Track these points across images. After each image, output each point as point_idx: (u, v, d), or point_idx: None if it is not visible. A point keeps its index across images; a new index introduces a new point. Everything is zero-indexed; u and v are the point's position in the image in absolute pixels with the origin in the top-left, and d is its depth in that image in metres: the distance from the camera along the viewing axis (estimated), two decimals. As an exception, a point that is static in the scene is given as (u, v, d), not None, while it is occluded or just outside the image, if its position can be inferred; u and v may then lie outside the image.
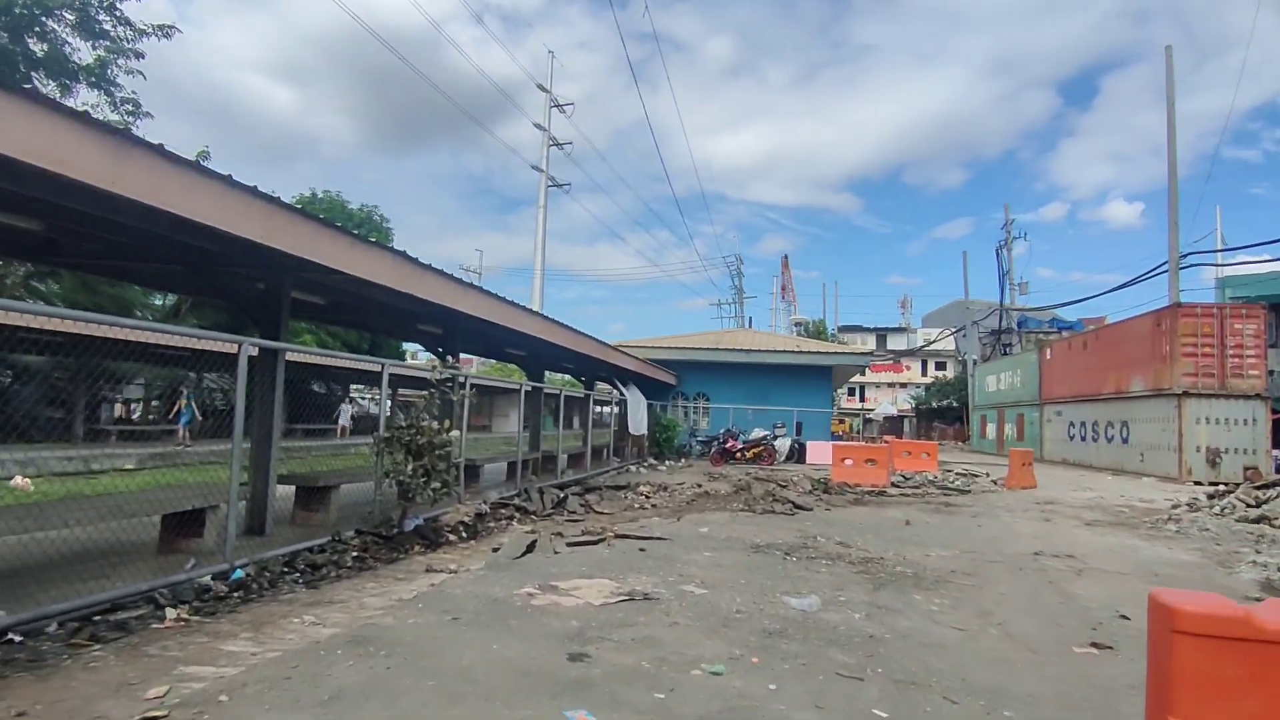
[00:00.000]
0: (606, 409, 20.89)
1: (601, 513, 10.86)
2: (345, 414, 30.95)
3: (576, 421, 21.07)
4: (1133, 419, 25.46)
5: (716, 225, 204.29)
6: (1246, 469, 21.89)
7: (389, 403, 8.63)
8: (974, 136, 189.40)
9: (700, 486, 14.83)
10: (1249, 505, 13.19)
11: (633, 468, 19.50)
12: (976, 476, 20.07)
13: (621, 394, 20.01)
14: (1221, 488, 14.61)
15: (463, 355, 15.10)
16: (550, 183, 44.42)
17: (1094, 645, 5.11)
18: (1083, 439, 29.68)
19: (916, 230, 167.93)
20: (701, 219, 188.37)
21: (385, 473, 7.65)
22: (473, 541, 8.17)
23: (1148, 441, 24.37)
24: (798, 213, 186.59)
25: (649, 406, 22.42)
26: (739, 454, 22.19)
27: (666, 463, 22.14)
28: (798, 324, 75.66)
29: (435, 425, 7.80)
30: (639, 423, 20.41)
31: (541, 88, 43.68)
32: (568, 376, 24.31)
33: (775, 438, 23.04)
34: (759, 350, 26.14)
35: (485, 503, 9.98)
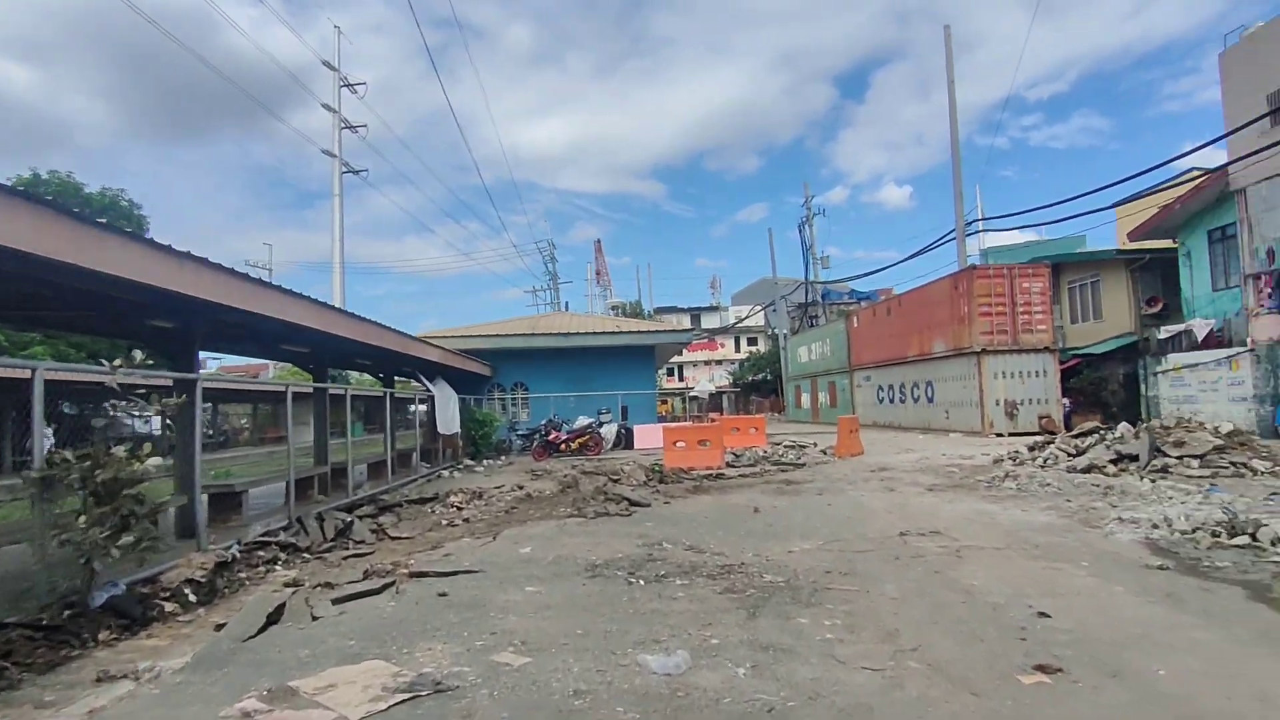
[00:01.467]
0: (414, 408, 18.43)
1: (399, 538, 8.76)
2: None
3: (376, 425, 18.43)
4: (937, 379, 26.56)
5: (528, 215, 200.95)
6: (1041, 418, 23.32)
7: (49, 427, 5.96)
8: (766, 125, 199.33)
9: (522, 489, 13.00)
10: (1071, 454, 13.36)
11: (445, 473, 17.26)
12: (805, 447, 19.72)
13: (428, 390, 17.67)
14: (1039, 439, 14.86)
15: (266, 360, 12.24)
16: (345, 168, 40.32)
17: (1040, 670, 3.90)
18: (891, 401, 30.86)
19: (720, 214, 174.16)
20: (513, 208, 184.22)
21: (52, 528, 5.20)
22: (202, 610, 5.87)
23: (952, 399, 25.46)
24: (607, 200, 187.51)
25: (461, 402, 20.21)
26: (563, 445, 20.53)
27: (485, 462, 20.04)
28: (614, 307, 75.22)
29: (123, 454, 5.42)
30: (450, 420, 18.17)
31: (329, 65, 39.47)
32: (369, 376, 21.56)
33: (601, 425, 21.61)
34: (577, 333, 24.57)
35: (237, 544, 7.59)
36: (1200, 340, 21.21)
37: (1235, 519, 6.86)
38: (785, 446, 19.72)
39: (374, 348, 13.57)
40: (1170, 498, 8.81)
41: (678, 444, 16.08)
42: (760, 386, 59.93)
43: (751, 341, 78.36)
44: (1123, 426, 13.54)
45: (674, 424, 21.57)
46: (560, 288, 66.28)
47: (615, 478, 13.23)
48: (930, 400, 27.13)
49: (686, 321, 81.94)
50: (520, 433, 22.75)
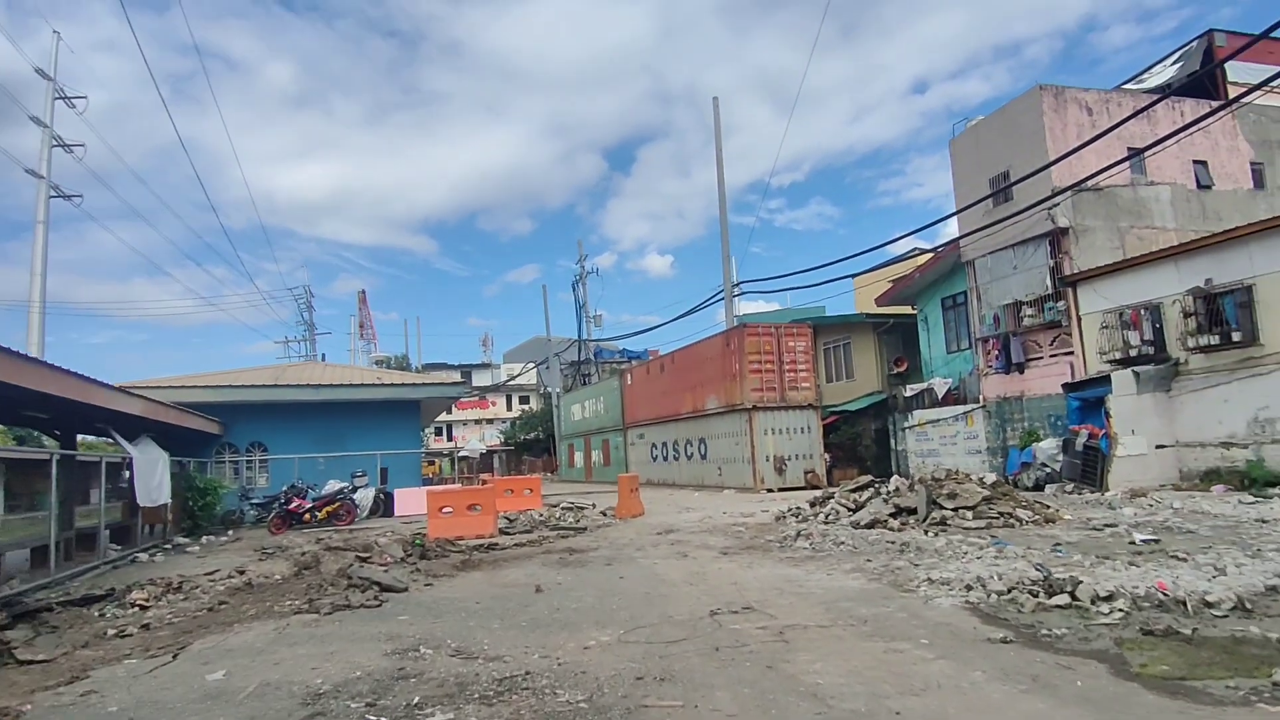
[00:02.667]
0: (123, 473, 14.69)
1: (29, 662, 6.09)
2: None
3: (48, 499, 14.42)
4: (710, 435, 26.70)
5: (283, 263, 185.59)
6: (807, 473, 24.01)
7: None
8: (539, 189, 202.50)
9: (243, 574, 10.33)
10: (850, 509, 13.23)
11: (145, 556, 13.77)
12: (584, 509, 18.44)
13: (128, 452, 14.13)
14: (818, 494, 14.75)
15: None
16: (54, 192, 34.05)
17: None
18: (665, 459, 30.71)
19: (492, 274, 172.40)
20: (266, 255, 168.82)
21: None
22: None
23: (724, 455, 25.64)
24: (375, 253, 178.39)
25: (180, 465, 16.63)
26: (307, 516, 17.53)
27: (205, 539, 16.51)
28: (379, 362, 70.41)
29: None
30: (155, 489, 14.66)
31: (42, 74, 33.23)
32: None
33: (355, 490, 18.84)
34: (330, 385, 21.59)
35: None
36: (940, 398, 23.06)
37: (1050, 577, 6.45)
38: (563, 508, 18.30)
39: (43, 395, 10.35)
40: (965, 553, 8.53)
41: (444, 510, 14.07)
42: (533, 445, 58.35)
43: (524, 400, 76.76)
44: (895, 480, 13.72)
45: (440, 487, 19.36)
46: (318, 339, 60.71)
47: (366, 553, 10.97)
48: (704, 457, 27.20)
49: (457, 378, 78.75)
50: (255, 501, 19.28)
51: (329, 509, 17.74)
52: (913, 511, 11.99)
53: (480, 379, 79.81)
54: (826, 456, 24.81)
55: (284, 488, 18.46)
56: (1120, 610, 5.76)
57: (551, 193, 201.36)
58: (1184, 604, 5.78)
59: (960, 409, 22.02)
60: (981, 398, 21.36)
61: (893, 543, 9.51)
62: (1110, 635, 5.24)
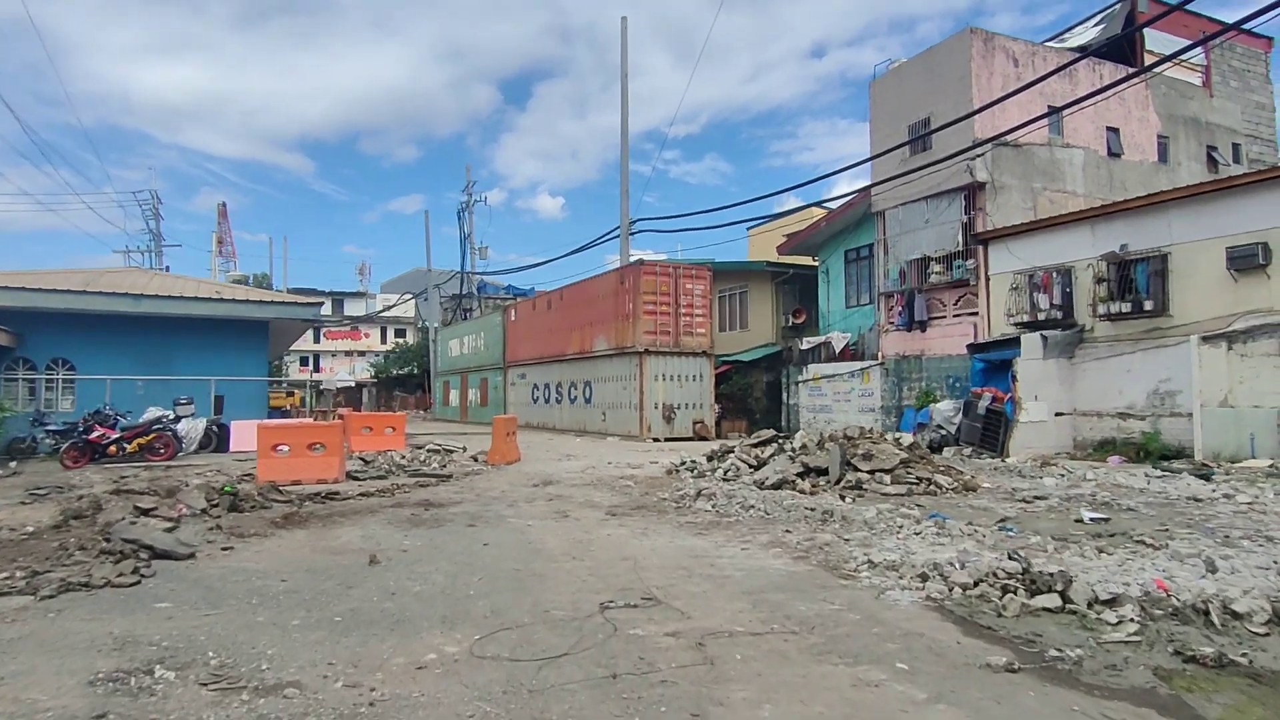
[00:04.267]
0: None
1: None
2: None
3: None
4: (596, 379, 25.03)
5: (137, 170, 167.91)
6: (695, 423, 22.80)
7: None
8: (428, 116, 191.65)
9: (-19, 522, 7.83)
10: (753, 466, 11.89)
11: None
12: (452, 452, 16.42)
13: None
14: (717, 448, 13.35)
15: None
16: None
17: None
18: (547, 401, 28.87)
19: (374, 200, 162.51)
20: (120, 161, 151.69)
21: None
22: None
23: (610, 401, 24.06)
24: (243, 167, 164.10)
25: None
26: (113, 448, 14.65)
27: (-26, 471, 13.44)
28: (237, 281, 64.44)
29: None
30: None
31: None
32: None
33: (177, 420, 15.97)
34: (155, 296, 18.24)
35: None
36: (838, 353, 22.25)
37: (1030, 569, 5.12)
38: (429, 451, 16.22)
39: None
40: (900, 527, 7.22)
41: (278, 448, 11.72)
42: (406, 381, 55.10)
43: (400, 334, 72.63)
44: (801, 436, 12.47)
45: (276, 421, 16.77)
46: (166, 251, 54.55)
47: (163, 500, 8.61)
48: (588, 401, 25.53)
49: (328, 307, 73.42)
50: (51, 429, 16.04)
51: (141, 441, 14.89)
52: (823, 472, 10.73)
53: (353, 308, 74.86)
54: (716, 408, 23.68)
55: (83, 414, 15.39)
56: (1131, 620, 4.46)
57: (441, 120, 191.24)
58: (1204, 613, 4.54)
59: (857, 365, 21.28)
60: (880, 355, 20.65)
61: (812, 510, 8.11)
62: (1142, 662, 3.90)
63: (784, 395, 24.01)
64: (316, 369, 70.97)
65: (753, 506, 8.62)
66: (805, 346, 23.28)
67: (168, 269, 45.24)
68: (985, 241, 17.81)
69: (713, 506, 8.94)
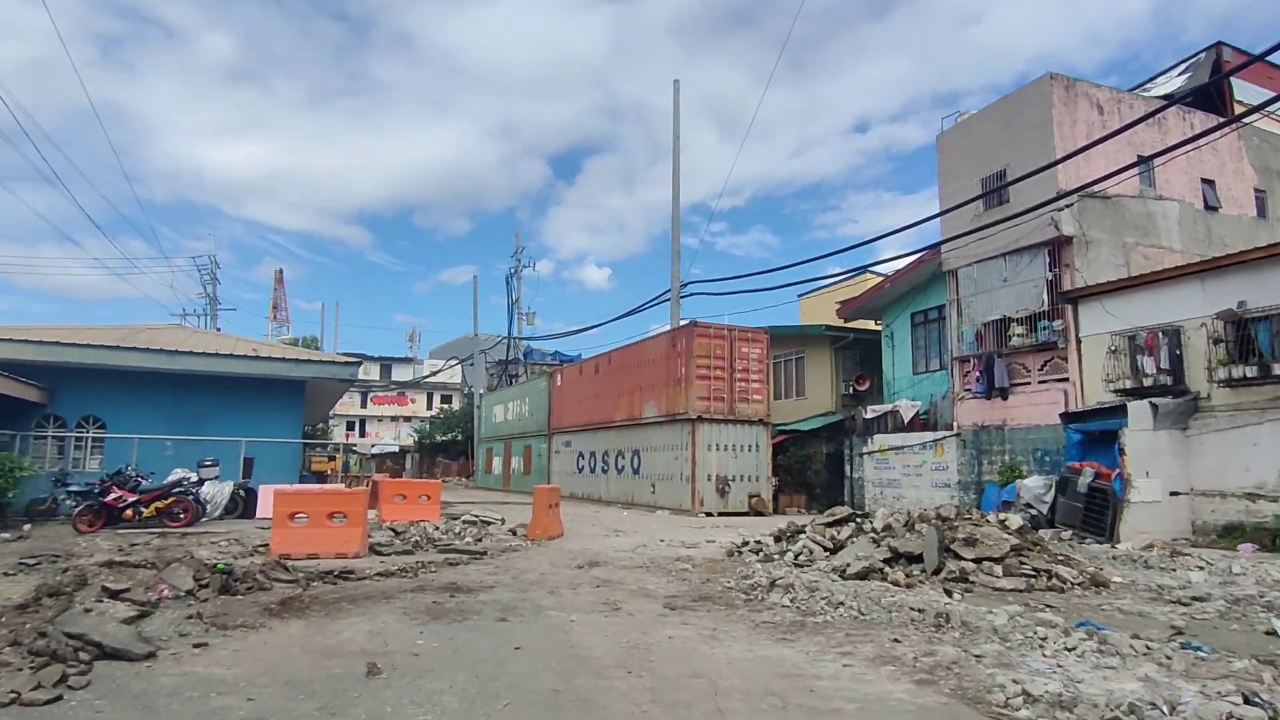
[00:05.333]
0: None
1: None
2: None
3: None
4: (645, 448, 23.63)
5: (205, 242, 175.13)
6: (751, 497, 21.17)
7: None
8: (480, 190, 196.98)
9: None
10: (828, 549, 10.31)
11: None
12: (489, 524, 15.12)
13: None
14: (784, 527, 11.79)
15: None
16: None
17: None
18: (593, 470, 27.48)
19: (425, 271, 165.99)
20: (189, 233, 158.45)
21: None
22: None
23: (660, 471, 22.59)
24: (304, 239, 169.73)
25: None
26: (129, 511, 13.69)
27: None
28: (289, 344, 65.10)
29: None
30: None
31: None
32: None
33: (201, 482, 14.98)
34: (189, 353, 17.58)
35: None
36: (906, 422, 20.54)
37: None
38: (464, 523, 14.93)
39: None
40: (1043, 640, 5.62)
41: (295, 517, 10.55)
42: (449, 448, 54.24)
43: (446, 399, 72.36)
44: (881, 514, 10.87)
45: (294, 486, 15.64)
46: (222, 315, 55.35)
47: (151, 576, 7.42)
48: (636, 472, 24.08)
49: (375, 372, 73.77)
50: (74, 489, 15.16)
51: (160, 504, 13.90)
52: (914, 560, 9.11)
53: (402, 374, 75.05)
54: (773, 480, 22.01)
55: (103, 475, 14.52)
56: None
57: (492, 195, 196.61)
58: None
59: (930, 436, 19.52)
60: (955, 424, 18.89)
61: (920, 612, 6.54)
62: None
63: (847, 468, 22.24)
64: (363, 434, 70.86)
65: (842, 603, 7.07)
66: (870, 416, 21.61)
67: (219, 330, 45.50)
68: (1075, 300, 16.20)
69: (791, 601, 7.41)
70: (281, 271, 77.43)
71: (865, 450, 21.41)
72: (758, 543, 11.39)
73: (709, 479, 20.71)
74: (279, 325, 74.85)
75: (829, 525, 11.07)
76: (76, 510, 13.55)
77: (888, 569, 8.90)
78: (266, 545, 10.65)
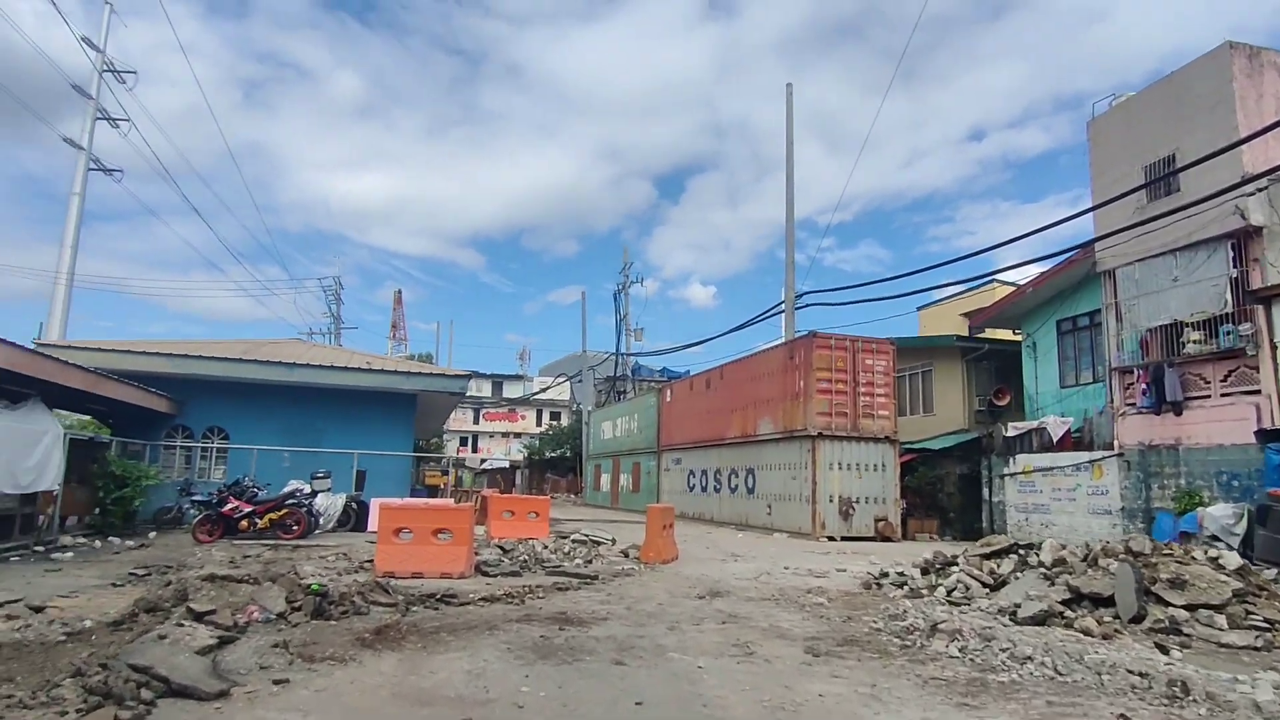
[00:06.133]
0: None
1: None
2: None
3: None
4: (760, 466, 22.37)
5: (334, 267, 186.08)
6: (878, 521, 19.54)
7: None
8: (587, 212, 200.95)
9: (39, 611, 6.47)
10: (987, 585, 8.90)
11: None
12: (600, 544, 14.29)
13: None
14: (926, 556, 10.39)
15: None
16: (94, 165, 31.71)
17: None
18: (704, 489, 26.37)
19: (535, 292, 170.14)
20: (319, 259, 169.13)
21: None
22: None
23: (776, 491, 21.27)
24: (423, 263, 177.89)
25: (116, 447, 13.04)
26: (245, 523, 13.69)
27: (110, 540, 12.79)
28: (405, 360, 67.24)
29: None
30: (27, 470, 10.93)
31: (89, 43, 30.97)
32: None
33: (314, 494, 14.90)
34: (305, 365, 17.76)
35: None
36: (1056, 441, 18.45)
37: None
38: (574, 542, 14.19)
39: None
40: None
41: (401, 534, 10.05)
42: (558, 464, 54.33)
43: (554, 416, 73.01)
44: (1050, 544, 9.35)
45: (400, 501, 15.32)
46: (345, 334, 57.79)
47: (208, 606, 6.95)
48: (750, 491, 22.83)
49: (487, 389, 75.33)
50: (197, 498, 15.41)
51: (273, 516, 13.85)
52: (1102, 601, 7.62)
53: (512, 390, 76.36)
54: (901, 503, 20.29)
55: (221, 485, 14.65)
56: None
57: (599, 217, 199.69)
58: None
59: (1085, 456, 17.38)
60: (1116, 444, 16.73)
61: (1139, 675, 5.17)
62: None
63: (985, 491, 20.23)
64: (475, 449, 72.34)
65: (1029, 657, 5.76)
66: (1011, 434, 19.58)
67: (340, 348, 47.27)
68: (1268, 300, 13.96)
69: (961, 651, 6.16)
70: (400, 292, 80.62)
71: (1007, 472, 19.39)
72: (900, 574, 10.06)
73: (831, 500, 19.25)
74: (398, 344, 77.82)
75: (986, 557, 9.63)
76: (196, 520, 13.66)
77: (1068, 612, 7.47)
78: (373, 561, 10.21)
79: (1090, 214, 17.37)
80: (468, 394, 23.40)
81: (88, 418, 21.42)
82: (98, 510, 14.06)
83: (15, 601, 7.03)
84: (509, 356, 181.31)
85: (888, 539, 19.12)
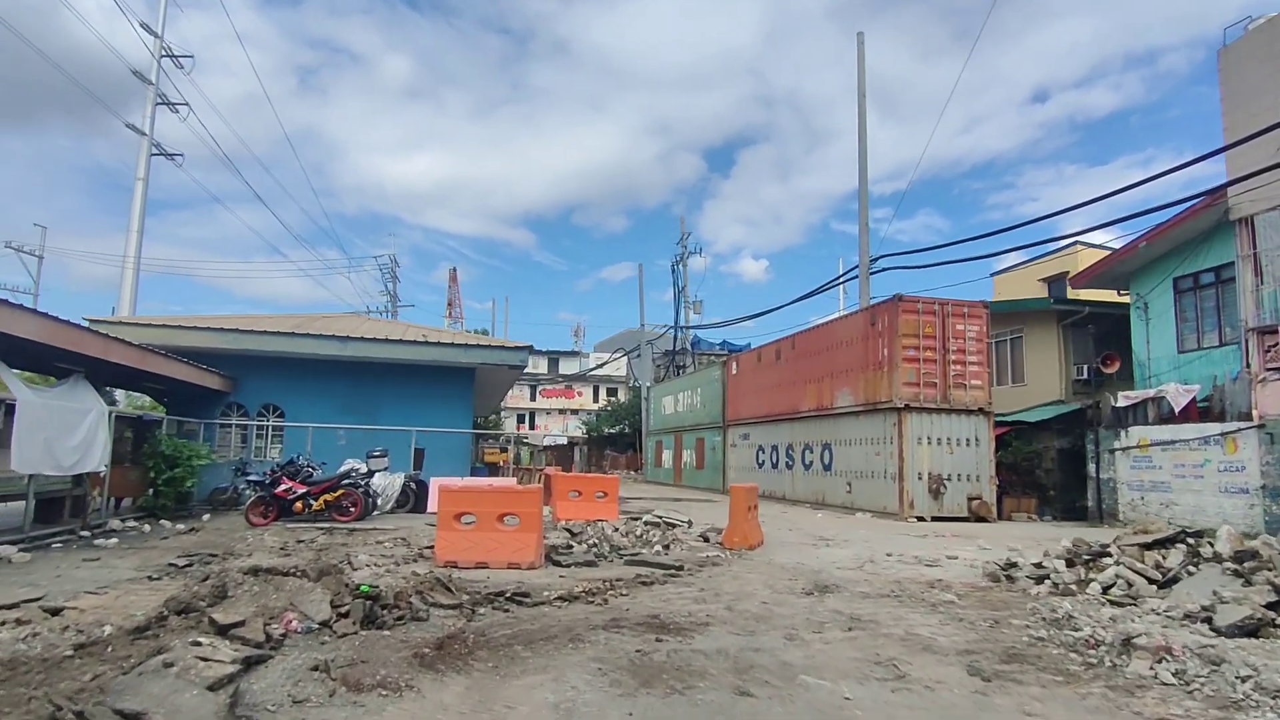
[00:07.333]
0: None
1: None
2: None
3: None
4: (838, 440, 20.89)
5: (390, 249, 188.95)
6: (971, 499, 17.94)
7: None
8: (637, 187, 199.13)
9: (56, 614, 5.59)
10: (1154, 580, 7.43)
11: (11, 549, 9.28)
12: (674, 526, 13.14)
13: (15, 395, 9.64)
14: (1067, 545, 8.91)
15: None
16: (156, 150, 31.83)
17: None
18: (775, 466, 24.99)
19: (587, 269, 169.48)
20: (376, 241, 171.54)
21: None
22: None
23: (857, 468, 19.79)
24: (475, 243, 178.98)
25: (172, 426, 12.41)
26: (299, 504, 12.91)
27: (162, 523, 12.14)
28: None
29: None
30: (70, 451, 10.22)
31: (147, 29, 30.87)
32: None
33: (370, 473, 14.04)
34: (360, 339, 16.89)
35: None
36: (1178, 411, 16.54)
37: None
38: (646, 524, 13.04)
39: None
40: None
41: (462, 519, 9.01)
42: (617, 440, 53.44)
43: (611, 392, 72.25)
44: (1226, 532, 7.81)
45: (460, 481, 14.40)
46: (400, 311, 57.67)
47: (232, 615, 5.95)
48: (827, 468, 21.39)
49: (543, 364, 74.92)
50: (252, 479, 14.70)
51: (329, 497, 13.02)
52: (1321, 606, 6.11)
53: (568, 366, 75.84)
54: (995, 480, 18.62)
55: (273, 465, 13.89)
56: None
57: (649, 192, 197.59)
58: None
59: (1215, 428, 15.48)
60: (1255, 413, 14.81)
61: None
62: None
63: (1091, 467, 18.41)
64: (532, 426, 72.12)
65: (1259, 686, 4.36)
66: (1123, 404, 17.70)
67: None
68: None
69: (1177, 676, 4.77)
70: (455, 270, 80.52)
71: (1118, 446, 17.56)
72: (1036, 565, 8.62)
73: (920, 478, 17.72)
74: (454, 322, 77.71)
75: (1145, 547, 8.12)
76: (249, 502, 12.93)
77: (1281, 620, 6.00)
78: (433, 548, 9.22)
79: (1220, 156, 15.32)
80: (525, 370, 22.64)
81: (147, 399, 21.13)
82: (151, 491, 13.45)
83: (33, 601, 6.17)
84: (563, 334, 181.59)
85: (983, 519, 17.55)
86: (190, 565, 8.29)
